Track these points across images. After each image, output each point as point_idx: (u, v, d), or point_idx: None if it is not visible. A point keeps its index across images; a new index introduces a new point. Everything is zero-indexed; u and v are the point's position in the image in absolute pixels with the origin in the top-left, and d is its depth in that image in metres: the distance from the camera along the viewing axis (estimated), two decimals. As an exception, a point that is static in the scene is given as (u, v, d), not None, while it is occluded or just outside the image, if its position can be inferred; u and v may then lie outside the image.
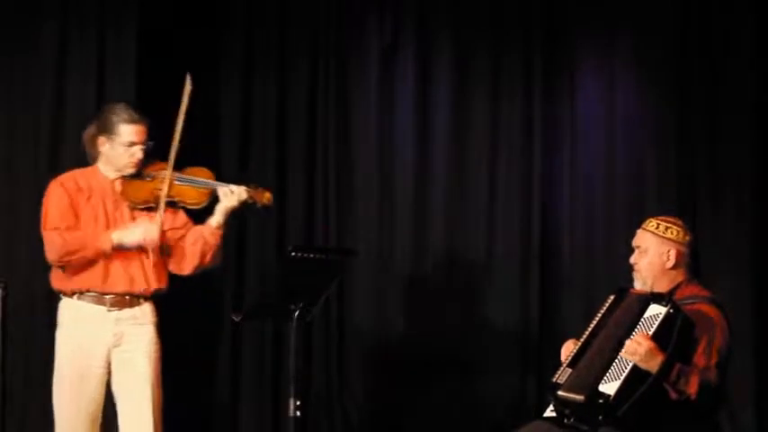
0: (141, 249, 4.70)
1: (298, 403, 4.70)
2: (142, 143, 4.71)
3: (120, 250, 4.66)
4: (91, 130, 4.80)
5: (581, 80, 6.29)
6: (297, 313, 4.70)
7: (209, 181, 4.76)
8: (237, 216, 6.16)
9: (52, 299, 5.81)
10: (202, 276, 6.06)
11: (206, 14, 6.32)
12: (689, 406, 4.23)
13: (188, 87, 4.77)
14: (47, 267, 5.83)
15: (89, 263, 4.66)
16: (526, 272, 6.26)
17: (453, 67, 6.35)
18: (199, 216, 4.86)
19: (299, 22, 6.39)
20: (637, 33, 6.22)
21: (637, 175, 6.21)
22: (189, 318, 6.07)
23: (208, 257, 4.78)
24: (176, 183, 4.72)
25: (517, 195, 6.30)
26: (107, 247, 4.63)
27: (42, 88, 5.90)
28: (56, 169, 5.87)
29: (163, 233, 4.72)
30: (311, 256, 4.69)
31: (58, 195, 4.69)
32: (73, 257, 4.63)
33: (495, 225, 6.32)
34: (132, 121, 4.70)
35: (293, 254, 4.68)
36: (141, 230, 4.66)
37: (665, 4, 6.18)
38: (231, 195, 4.73)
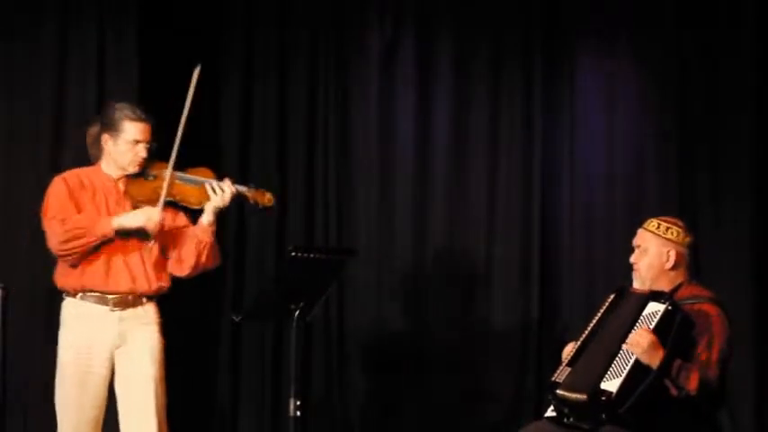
0: (142, 245, 4.68)
1: (298, 403, 4.70)
2: (146, 142, 4.71)
3: (122, 237, 4.63)
4: (94, 128, 4.80)
5: (581, 80, 6.29)
6: (297, 313, 4.70)
7: (210, 180, 4.76)
8: (232, 214, 6.18)
9: (52, 299, 5.81)
10: (202, 276, 6.08)
11: (206, 14, 6.32)
12: (689, 405, 4.24)
13: (194, 81, 4.74)
14: (47, 267, 5.84)
15: (91, 259, 4.64)
16: (526, 272, 6.26)
17: (453, 66, 6.35)
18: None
19: (298, 22, 6.39)
20: (637, 33, 6.22)
21: (637, 175, 6.21)
22: (189, 318, 6.07)
23: (203, 256, 4.76)
24: (177, 182, 4.73)
25: (517, 195, 6.30)
26: (108, 230, 4.60)
27: (42, 88, 5.90)
28: (56, 169, 5.86)
29: (164, 232, 4.72)
30: (311, 256, 4.68)
31: (58, 190, 4.70)
32: (74, 243, 4.60)
33: (495, 225, 6.32)
34: (137, 119, 4.70)
35: (293, 254, 4.67)
36: (143, 213, 4.64)
37: (664, 3, 6.18)
38: (219, 193, 4.72)
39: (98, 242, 4.62)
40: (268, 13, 6.38)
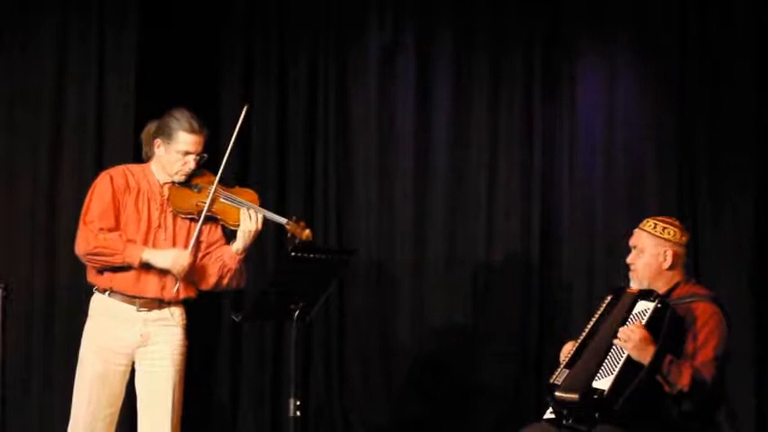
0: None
1: (298, 403, 4.69)
2: (197, 153, 4.70)
3: (145, 269, 4.63)
4: (150, 128, 4.77)
5: (581, 80, 6.29)
6: (297, 313, 4.69)
7: (252, 204, 4.76)
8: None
9: (52, 298, 5.83)
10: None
11: (206, 14, 6.32)
12: (687, 404, 4.25)
13: (245, 113, 4.78)
14: (46, 267, 5.85)
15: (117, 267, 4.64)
16: (526, 272, 6.26)
17: (453, 66, 6.35)
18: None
19: (298, 22, 6.39)
20: (637, 33, 6.22)
21: (637, 175, 6.21)
22: (189, 318, 6.06)
23: (226, 279, 4.79)
24: (221, 200, 4.72)
25: (517, 195, 6.30)
26: (134, 261, 4.60)
27: (42, 88, 5.90)
28: (56, 169, 5.88)
29: (196, 243, 4.72)
30: (311, 256, 4.68)
31: (103, 190, 4.66)
32: (99, 258, 4.59)
33: (495, 225, 6.32)
34: (192, 131, 4.67)
35: (293, 254, 4.67)
36: (172, 258, 4.63)
37: (665, 3, 6.18)
38: (252, 220, 4.70)
39: (122, 265, 4.61)
40: (268, 13, 6.38)
